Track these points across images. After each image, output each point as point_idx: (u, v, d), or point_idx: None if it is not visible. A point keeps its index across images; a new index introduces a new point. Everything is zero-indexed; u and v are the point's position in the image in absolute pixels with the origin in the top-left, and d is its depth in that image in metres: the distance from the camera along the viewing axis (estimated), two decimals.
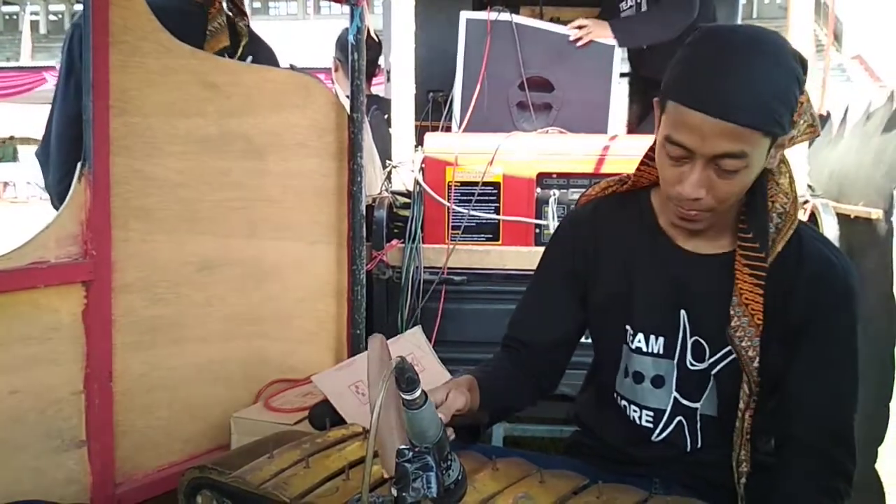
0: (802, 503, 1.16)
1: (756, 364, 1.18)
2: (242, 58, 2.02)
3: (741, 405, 1.21)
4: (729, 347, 1.21)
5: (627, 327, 1.30)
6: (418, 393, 0.90)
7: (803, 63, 1.12)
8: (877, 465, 1.97)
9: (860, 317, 1.22)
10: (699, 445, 1.27)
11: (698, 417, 1.27)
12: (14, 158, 19.84)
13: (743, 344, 1.18)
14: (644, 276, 1.28)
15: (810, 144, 3.50)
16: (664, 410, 1.28)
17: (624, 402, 1.33)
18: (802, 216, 2.26)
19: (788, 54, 1.10)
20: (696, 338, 1.24)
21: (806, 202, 2.27)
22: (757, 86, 1.06)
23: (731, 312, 1.18)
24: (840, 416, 1.19)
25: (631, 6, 3.01)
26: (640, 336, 1.28)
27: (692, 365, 1.25)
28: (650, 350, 1.28)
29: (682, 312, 1.25)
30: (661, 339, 1.26)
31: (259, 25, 2.16)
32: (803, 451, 1.18)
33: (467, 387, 1.23)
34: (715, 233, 1.23)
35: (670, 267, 1.26)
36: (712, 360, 1.24)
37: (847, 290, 1.19)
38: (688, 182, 1.11)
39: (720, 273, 1.21)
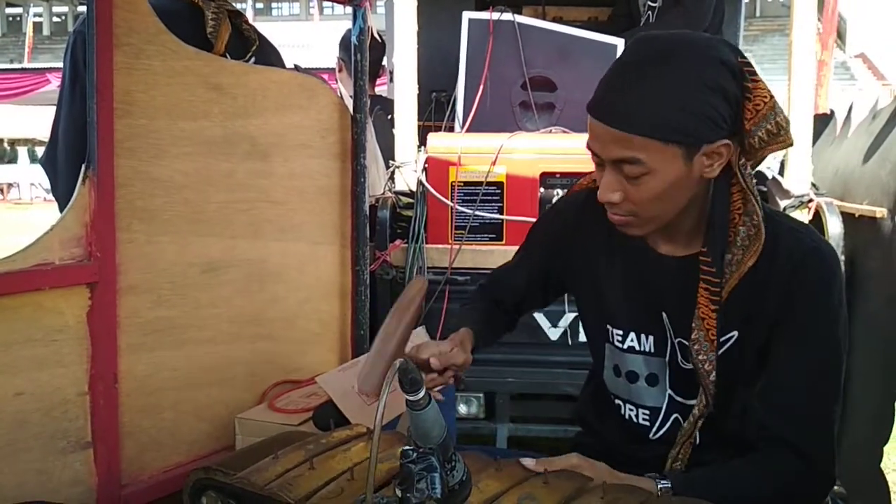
0: (742, 480, 1.15)
1: (712, 378, 1.19)
2: (247, 61, 2.02)
3: (695, 412, 1.22)
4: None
5: (608, 326, 1.31)
6: (422, 394, 0.90)
7: (734, 70, 1.11)
8: (882, 465, 1.97)
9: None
10: (697, 443, 1.27)
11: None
12: (34, 160, 19.84)
13: (699, 357, 1.19)
14: (621, 276, 1.30)
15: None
16: (660, 408, 1.28)
17: (619, 402, 1.34)
18: (806, 215, 2.26)
19: (706, 63, 1.09)
20: (679, 339, 1.25)
21: (810, 201, 2.27)
22: (649, 95, 1.09)
23: (693, 325, 1.19)
24: (814, 407, 1.16)
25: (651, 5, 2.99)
26: (632, 335, 1.29)
27: (683, 364, 1.25)
28: (642, 349, 1.28)
29: (664, 314, 1.25)
30: (650, 338, 1.27)
31: (262, 26, 2.17)
32: (771, 442, 1.16)
33: (468, 344, 1.32)
34: (681, 235, 1.23)
35: (645, 268, 1.27)
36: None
37: (824, 276, 1.16)
38: (601, 187, 1.17)
39: (690, 275, 1.20)
